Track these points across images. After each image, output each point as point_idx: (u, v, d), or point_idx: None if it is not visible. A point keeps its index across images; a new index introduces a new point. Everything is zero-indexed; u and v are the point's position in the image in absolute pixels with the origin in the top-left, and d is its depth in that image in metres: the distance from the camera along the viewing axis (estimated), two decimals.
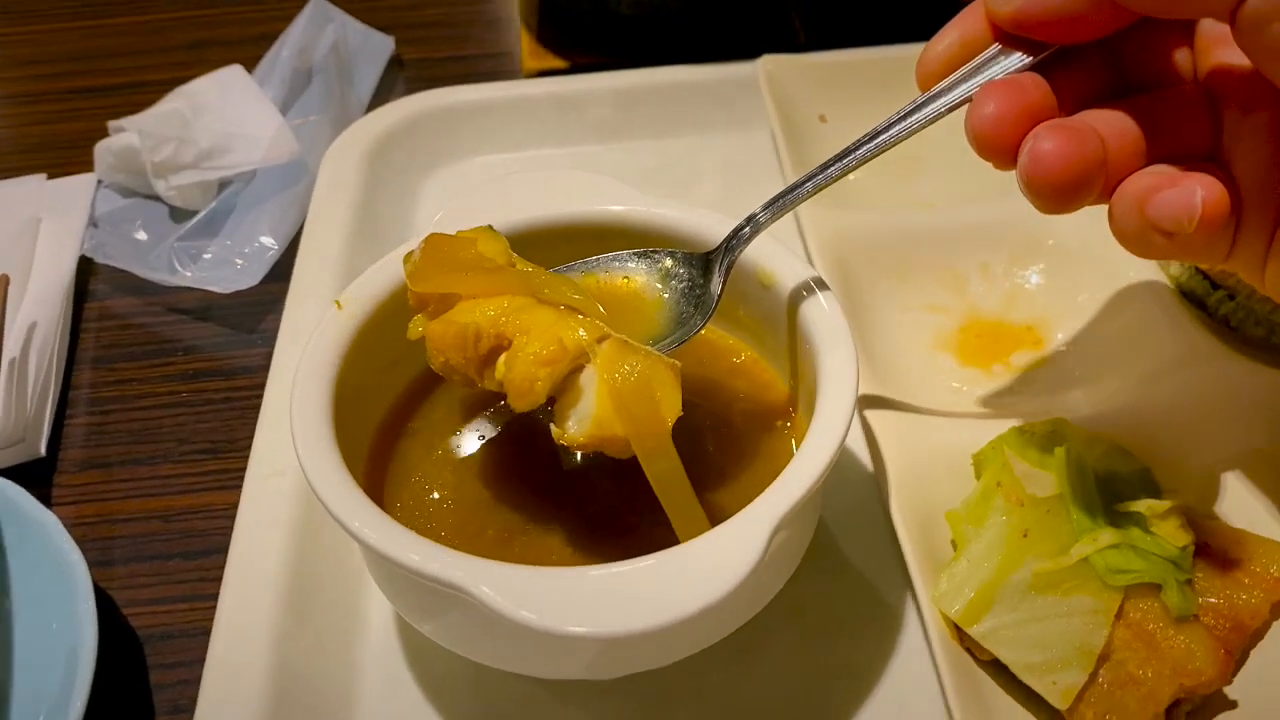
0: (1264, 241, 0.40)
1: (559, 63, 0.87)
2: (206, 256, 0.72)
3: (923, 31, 0.82)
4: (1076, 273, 0.64)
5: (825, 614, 0.53)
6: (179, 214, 0.76)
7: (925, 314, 0.65)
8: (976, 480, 0.53)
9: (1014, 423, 0.55)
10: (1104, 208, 0.64)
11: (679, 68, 0.80)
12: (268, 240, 0.72)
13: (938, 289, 0.65)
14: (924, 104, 0.44)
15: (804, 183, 0.47)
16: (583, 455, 0.51)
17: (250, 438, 0.62)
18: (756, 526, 0.41)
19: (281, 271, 0.71)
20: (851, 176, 0.72)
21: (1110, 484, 0.50)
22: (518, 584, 0.39)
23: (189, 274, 0.71)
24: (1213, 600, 0.47)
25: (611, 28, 0.86)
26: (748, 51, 0.80)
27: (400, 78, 0.90)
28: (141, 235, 0.74)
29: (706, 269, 0.50)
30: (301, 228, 0.72)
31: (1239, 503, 0.52)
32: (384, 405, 0.53)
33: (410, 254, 0.47)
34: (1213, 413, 0.55)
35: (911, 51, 0.80)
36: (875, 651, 0.51)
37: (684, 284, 0.50)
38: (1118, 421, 0.55)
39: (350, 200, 0.72)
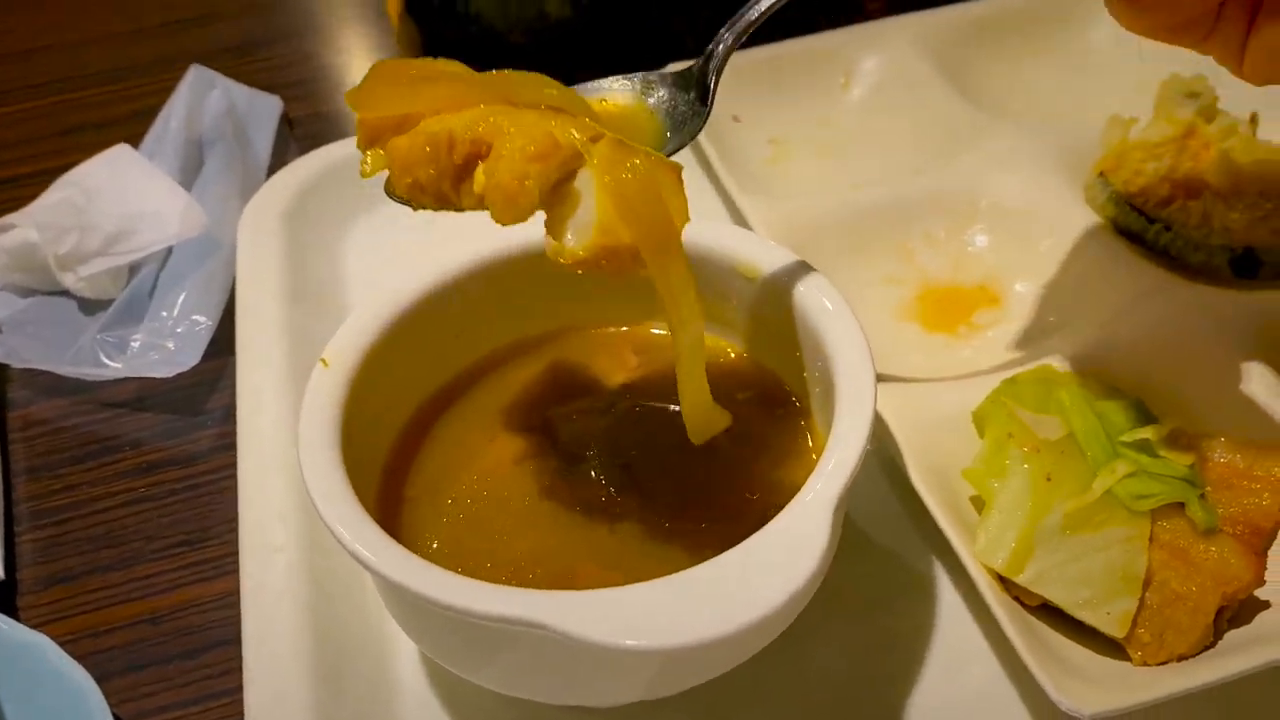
0: (1244, 21, 0.41)
1: None
2: (134, 344, 0.68)
3: (803, 26, 0.86)
4: (1015, 229, 0.67)
5: (861, 593, 0.53)
6: (90, 305, 0.72)
7: (882, 288, 0.66)
8: (980, 437, 0.54)
9: (1000, 376, 0.56)
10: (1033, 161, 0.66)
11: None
12: (199, 317, 0.68)
13: (888, 263, 0.67)
14: None
15: None
16: (599, 456, 0.50)
17: (225, 522, 0.59)
18: (818, 509, 0.41)
19: (218, 347, 0.68)
20: (773, 173, 0.72)
21: (1109, 418, 0.52)
22: (594, 609, 0.38)
23: (119, 365, 0.67)
24: (1227, 510, 0.49)
25: (504, 58, 0.85)
26: (639, 65, 0.81)
27: (294, 136, 0.87)
28: (54, 333, 0.70)
29: (692, 82, 0.48)
30: (230, 299, 0.69)
31: (1228, 414, 0.54)
32: (380, 461, 0.51)
33: (352, 89, 0.42)
34: (1180, 338, 0.57)
35: (810, 44, 0.82)
36: (918, 620, 0.52)
37: (668, 93, 0.48)
38: (1096, 361, 0.57)
39: (277, 263, 0.69)
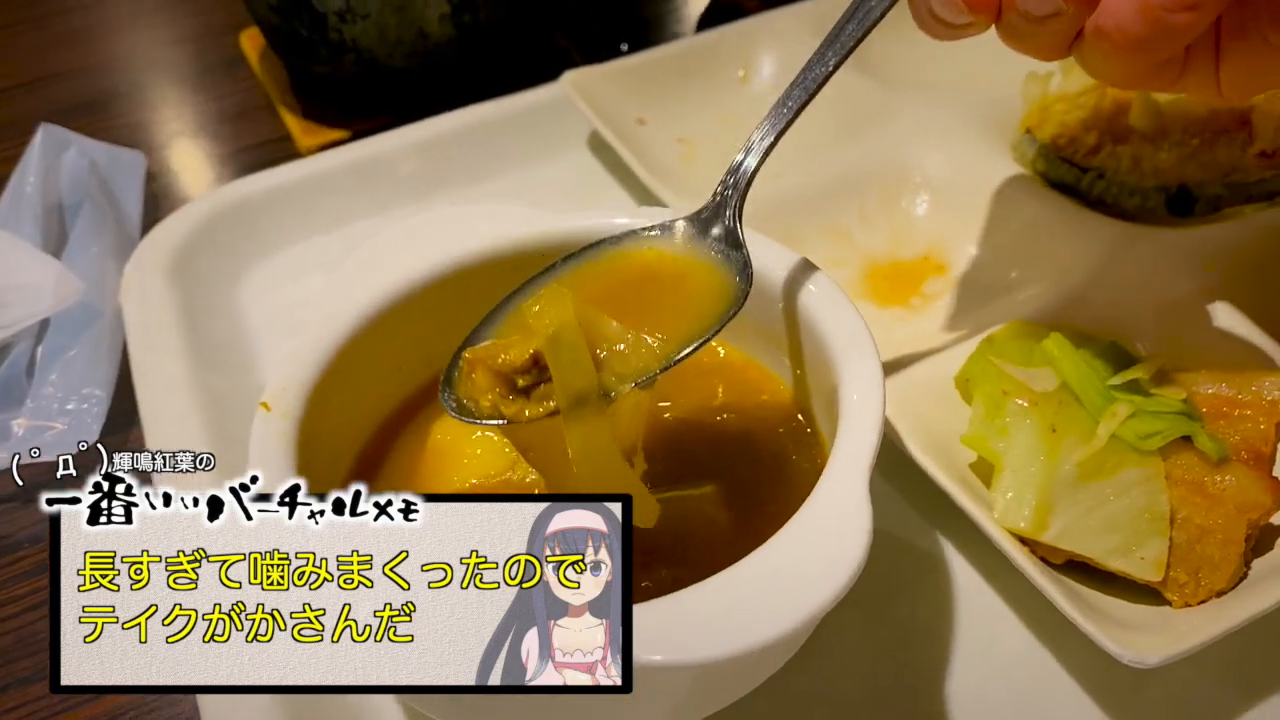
0: (1210, 51, 0.41)
1: (338, 134, 0.81)
2: (16, 429, 0.60)
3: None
4: (948, 196, 0.66)
5: (871, 585, 0.48)
6: None
7: (827, 270, 0.63)
8: (967, 401, 0.52)
9: (970, 340, 0.54)
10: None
11: (481, 105, 0.76)
12: (91, 390, 0.61)
13: (827, 246, 0.65)
14: None
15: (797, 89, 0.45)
16: None
17: None
18: (850, 490, 0.38)
19: (115, 422, 0.61)
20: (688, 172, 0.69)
21: (1094, 363, 0.50)
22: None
23: (1, 454, 0.59)
24: (1228, 439, 0.48)
25: (385, 85, 0.80)
26: (526, 82, 0.77)
27: (165, 190, 0.80)
28: None
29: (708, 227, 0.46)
30: (122, 367, 0.62)
31: (1198, 346, 0.53)
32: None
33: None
34: (1134, 280, 0.57)
35: (701, 41, 0.80)
36: (937, 601, 0.49)
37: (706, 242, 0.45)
38: (1060, 312, 0.56)
39: (172, 322, 0.63)
